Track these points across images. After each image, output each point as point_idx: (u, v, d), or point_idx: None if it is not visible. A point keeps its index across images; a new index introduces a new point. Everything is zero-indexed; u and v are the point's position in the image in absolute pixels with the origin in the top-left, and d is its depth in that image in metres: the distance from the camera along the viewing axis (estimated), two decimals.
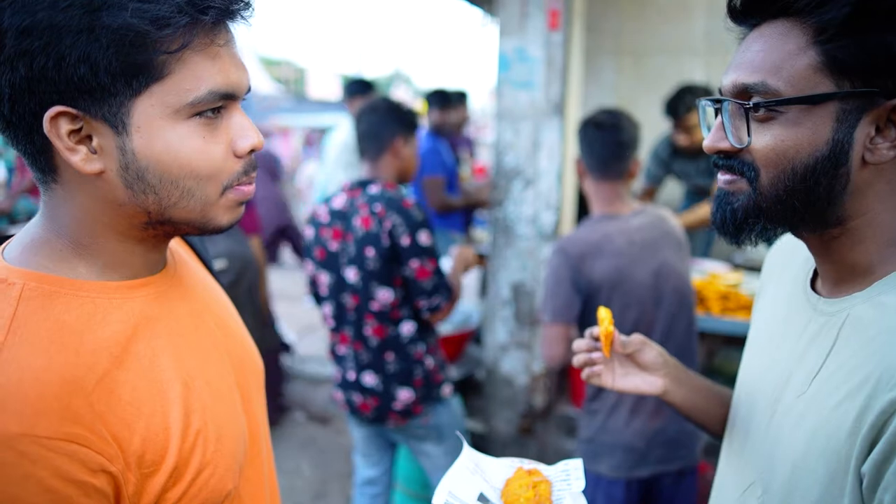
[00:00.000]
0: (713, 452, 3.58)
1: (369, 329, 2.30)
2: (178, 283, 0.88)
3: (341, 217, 2.31)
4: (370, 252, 2.22)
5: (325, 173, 4.62)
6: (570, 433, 3.33)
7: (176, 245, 0.97)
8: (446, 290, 2.27)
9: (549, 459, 1.04)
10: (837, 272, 0.85)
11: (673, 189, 4.31)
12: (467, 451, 1.02)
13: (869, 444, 0.72)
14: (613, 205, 2.11)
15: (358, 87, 4.69)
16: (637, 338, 1.10)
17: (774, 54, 0.77)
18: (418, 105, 5.41)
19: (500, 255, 3.34)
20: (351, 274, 2.28)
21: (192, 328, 0.86)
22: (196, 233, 0.81)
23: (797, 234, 0.87)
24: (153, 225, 0.78)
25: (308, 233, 2.42)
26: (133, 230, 0.78)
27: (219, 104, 0.75)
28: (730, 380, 1.20)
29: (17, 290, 0.71)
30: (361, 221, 2.24)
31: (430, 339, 2.39)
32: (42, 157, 0.74)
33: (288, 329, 5.71)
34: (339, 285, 2.32)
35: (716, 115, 0.84)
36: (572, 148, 3.29)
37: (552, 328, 2.08)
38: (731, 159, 0.83)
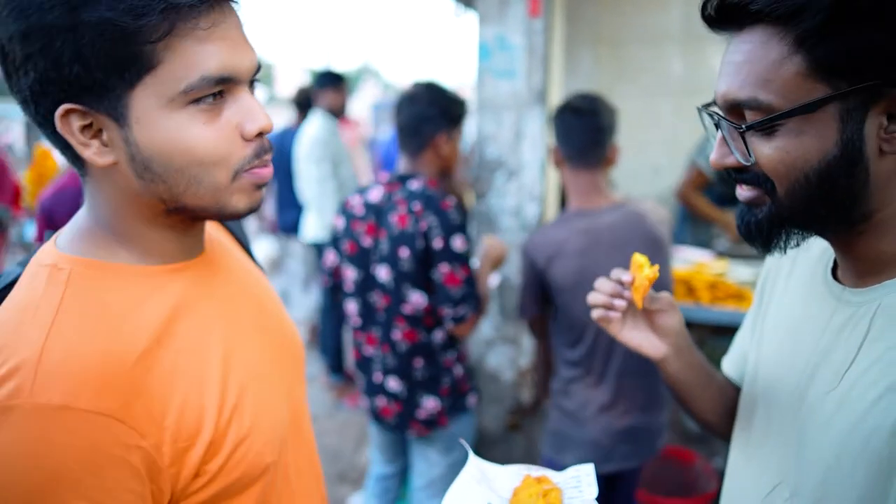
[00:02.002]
0: (697, 441, 3.55)
1: (399, 333, 2.15)
2: (217, 266, 0.92)
3: (376, 211, 2.15)
4: (404, 253, 2.07)
5: (297, 168, 4.53)
6: None
7: (216, 231, 1.02)
8: (474, 301, 2.09)
9: (537, 455, 0.99)
10: (863, 263, 0.82)
11: None
12: (473, 460, 0.98)
13: None
14: (590, 197, 2.07)
15: (328, 80, 4.60)
16: (666, 297, 1.03)
17: (759, 65, 0.73)
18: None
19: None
20: (383, 273, 2.13)
21: (231, 310, 0.89)
22: (215, 218, 0.83)
23: (823, 236, 0.84)
24: (172, 212, 0.80)
25: (338, 223, 2.26)
26: (157, 217, 0.81)
27: (216, 89, 0.74)
28: (717, 370, 1.16)
29: (65, 275, 0.76)
30: (398, 219, 2.08)
31: (461, 346, 2.25)
32: (69, 153, 0.77)
33: None
34: (369, 283, 2.18)
35: (716, 128, 0.81)
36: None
37: (531, 321, 2.24)
38: (744, 173, 0.80)
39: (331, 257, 2.31)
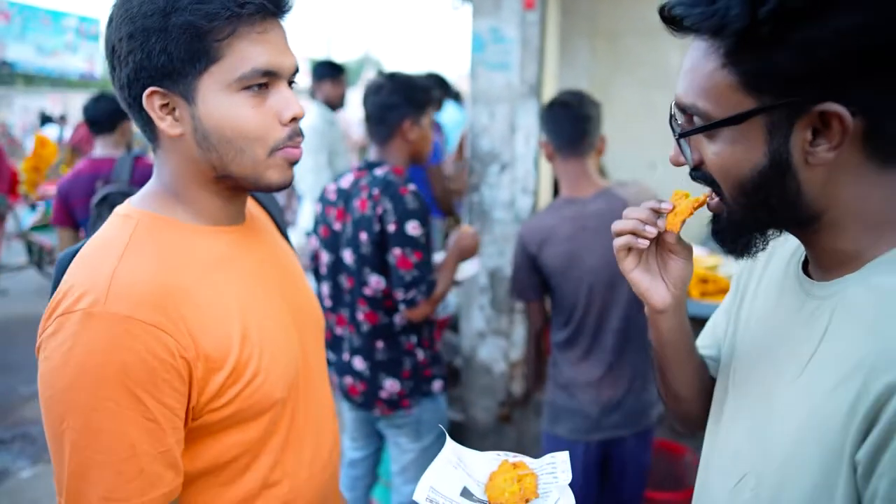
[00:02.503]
0: (688, 434, 3.57)
1: (361, 314, 2.23)
2: (253, 236, 1.13)
3: (345, 197, 2.23)
4: (363, 236, 2.15)
5: None
6: None
7: (257, 211, 1.22)
8: (425, 286, 2.12)
9: (529, 447, 1.00)
10: (827, 258, 0.83)
11: None
12: (450, 445, 1.00)
13: (864, 430, 0.69)
14: (579, 184, 2.18)
15: (326, 71, 4.59)
16: (689, 244, 0.99)
17: (699, 75, 0.77)
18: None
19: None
20: (347, 256, 2.21)
21: (261, 271, 1.10)
22: (253, 188, 1.03)
23: (787, 231, 0.86)
24: (221, 178, 1.01)
25: (317, 209, 2.35)
26: (209, 183, 1.02)
27: (263, 80, 0.96)
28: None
29: (133, 222, 0.99)
30: (359, 204, 2.17)
31: (423, 331, 2.29)
32: (148, 128, 1.01)
33: None
34: (338, 266, 2.26)
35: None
36: None
37: (527, 304, 2.35)
38: (698, 171, 0.83)
39: (312, 242, 2.40)
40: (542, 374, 2.46)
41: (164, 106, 0.96)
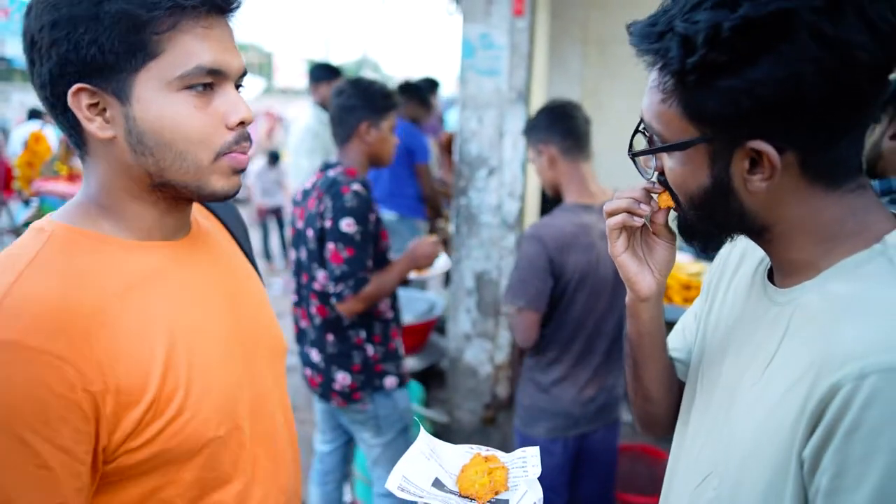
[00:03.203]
0: (669, 439, 3.61)
1: (313, 308, 2.33)
2: (197, 252, 1.01)
3: (305, 197, 2.35)
4: (310, 232, 2.26)
5: (290, 159, 4.56)
6: None
7: (210, 224, 1.11)
8: (354, 282, 2.18)
9: (512, 448, 1.02)
10: (786, 265, 0.87)
11: None
12: (423, 437, 1.02)
13: (809, 429, 0.72)
14: (589, 189, 2.20)
15: (323, 73, 4.60)
16: (674, 231, 1.02)
17: (654, 98, 0.82)
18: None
19: (464, 244, 3.31)
20: (302, 253, 2.34)
21: (202, 292, 0.98)
22: (194, 197, 0.93)
23: (746, 236, 0.90)
24: (157, 187, 0.91)
25: (289, 212, 2.52)
26: (144, 193, 0.92)
27: (207, 79, 0.87)
28: None
29: (46, 236, 0.87)
30: (310, 202, 2.28)
31: (373, 326, 2.35)
32: (75, 132, 0.89)
33: None
34: (298, 263, 2.39)
35: None
36: None
37: (527, 314, 2.14)
38: (662, 176, 0.89)
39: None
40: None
41: (92, 105, 0.86)
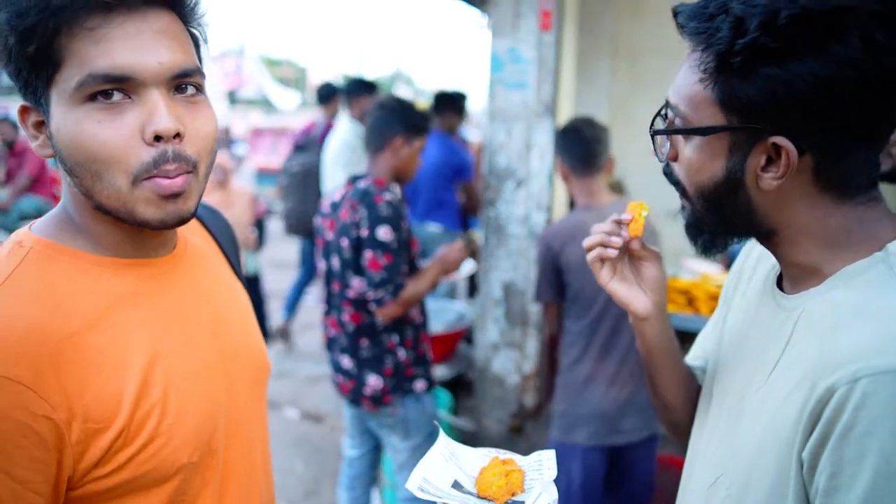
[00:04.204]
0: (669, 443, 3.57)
1: (346, 315, 2.40)
2: (180, 270, 0.93)
3: (335, 208, 2.43)
4: (344, 242, 2.33)
5: (326, 171, 4.65)
6: None
7: (200, 237, 1.04)
8: (393, 287, 2.29)
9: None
10: (793, 271, 0.89)
11: None
12: (443, 440, 1.04)
13: (808, 430, 0.74)
14: (594, 196, 2.37)
15: (360, 87, 4.68)
16: (655, 249, 1.08)
17: (687, 81, 0.83)
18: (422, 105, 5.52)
19: (492, 254, 3.36)
20: (335, 262, 2.40)
21: (181, 313, 0.91)
22: (129, 224, 0.82)
23: (755, 238, 0.92)
24: (98, 210, 0.82)
25: (316, 223, 2.57)
26: (97, 213, 0.83)
27: (107, 86, 0.75)
28: None
29: (24, 251, 0.81)
30: (342, 213, 2.36)
31: (405, 331, 2.43)
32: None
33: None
34: (329, 272, 2.45)
35: None
36: None
37: (549, 307, 2.45)
38: (668, 168, 0.90)
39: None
40: (554, 386, 2.54)
41: (40, 123, 0.80)
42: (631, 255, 1.06)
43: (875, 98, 0.74)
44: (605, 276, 1.06)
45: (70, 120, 0.76)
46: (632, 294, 1.06)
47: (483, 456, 1.05)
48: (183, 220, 0.83)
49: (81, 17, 0.74)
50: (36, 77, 0.76)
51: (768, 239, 0.88)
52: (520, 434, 3.42)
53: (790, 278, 0.90)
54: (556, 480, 0.99)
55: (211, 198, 4.14)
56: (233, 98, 20.37)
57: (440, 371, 3.44)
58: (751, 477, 0.84)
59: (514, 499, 0.97)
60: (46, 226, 0.86)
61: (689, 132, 0.83)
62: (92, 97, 0.75)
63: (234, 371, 0.98)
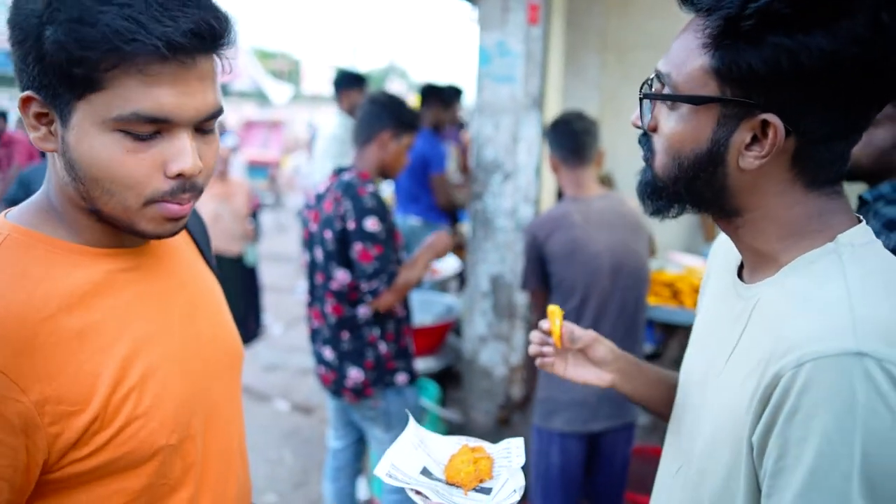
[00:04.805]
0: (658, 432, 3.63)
1: (329, 307, 2.41)
2: (156, 260, 0.97)
3: (319, 200, 2.45)
4: (328, 234, 2.34)
5: (315, 164, 4.65)
6: None
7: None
8: (387, 276, 2.31)
9: (527, 450, 1.07)
10: (752, 259, 0.90)
11: None
12: (413, 427, 1.07)
13: (758, 415, 0.76)
14: (582, 188, 2.43)
15: (350, 80, 4.67)
16: (590, 334, 1.16)
17: (683, 48, 0.82)
18: (412, 100, 5.49)
19: (480, 247, 3.38)
20: (318, 254, 2.42)
21: (157, 300, 0.94)
22: (125, 232, 0.88)
23: (711, 216, 0.92)
24: (93, 212, 0.86)
25: (302, 214, 2.58)
26: (84, 210, 0.87)
27: (147, 127, 0.80)
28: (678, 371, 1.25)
29: (0, 239, 0.83)
30: (326, 205, 2.37)
31: (387, 325, 2.44)
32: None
33: (274, 320, 5.73)
34: (312, 264, 2.47)
35: None
36: None
37: (535, 295, 2.51)
38: (645, 137, 0.90)
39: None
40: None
41: (42, 115, 0.82)
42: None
43: (873, 80, 0.75)
44: (559, 371, 1.19)
45: (97, 141, 0.80)
46: (588, 374, 1.18)
47: (453, 444, 1.08)
48: (176, 234, 0.90)
49: (140, 60, 0.77)
50: (67, 90, 0.78)
51: (730, 219, 0.88)
52: (507, 425, 3.45)
53: (748, 266, 0.92)
54: (536, 465, 1.02)
55: (211, 189, 4.15)
56: (225, 90, 20.27)
57: (429, 363, 3.46)
58: (708, 463, 0.86)
59: (482, 485, 1.00)
60: (24, 214, 0.88)
61: (681, 99, 0.82)
62: (124, 130, 0.80)
63: (211, 356, 1.02)
